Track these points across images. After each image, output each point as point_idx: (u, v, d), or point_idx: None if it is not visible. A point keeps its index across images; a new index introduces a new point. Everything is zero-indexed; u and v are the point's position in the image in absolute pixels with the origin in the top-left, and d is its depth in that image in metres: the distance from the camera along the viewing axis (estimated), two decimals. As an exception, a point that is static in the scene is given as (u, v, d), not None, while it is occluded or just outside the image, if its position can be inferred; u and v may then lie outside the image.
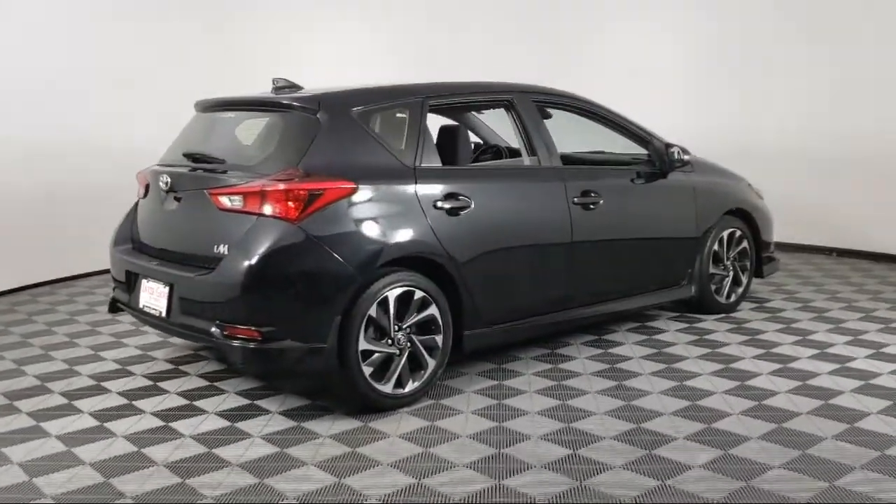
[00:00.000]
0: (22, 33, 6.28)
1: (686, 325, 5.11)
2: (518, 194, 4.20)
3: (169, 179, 3.92)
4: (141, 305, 3.95)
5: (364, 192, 3.62)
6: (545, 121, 5.08)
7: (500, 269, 4.10)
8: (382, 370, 3.68)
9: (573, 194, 4.38)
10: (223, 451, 3.32)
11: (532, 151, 4.38)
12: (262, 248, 3.42)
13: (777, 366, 4.28)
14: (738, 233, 5.42)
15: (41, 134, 6.36)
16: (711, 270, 5.26)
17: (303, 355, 3.50)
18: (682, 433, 3.42)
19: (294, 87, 4.16)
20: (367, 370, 3.61)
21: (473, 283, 3.95)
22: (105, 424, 3.61)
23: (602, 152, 5.59)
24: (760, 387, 3.97)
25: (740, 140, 7.92)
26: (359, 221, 3.60)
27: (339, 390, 3.78)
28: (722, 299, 5.36)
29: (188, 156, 4.02)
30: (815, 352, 4.51)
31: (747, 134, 7.97)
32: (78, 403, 3.88)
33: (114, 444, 3.40)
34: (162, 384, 4.15)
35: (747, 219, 5.52)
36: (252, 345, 3.43)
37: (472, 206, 3.93)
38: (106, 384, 4.16)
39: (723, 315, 5.35)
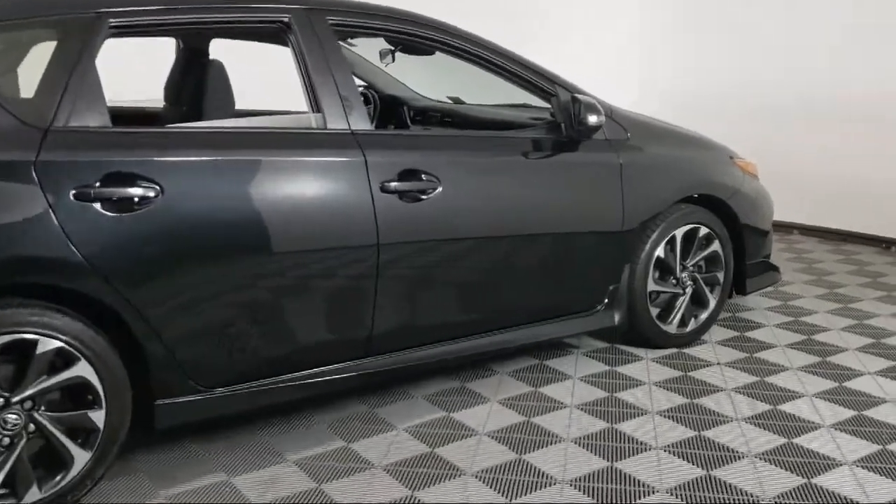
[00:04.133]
0: None
1: (603, 370, 3.41)
2: (263, 177, 2.56)
3: None
4: None
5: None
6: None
7: (226, 299, 2.53)
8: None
9: (383, 176, 2.73)
10: None
11: (316, 106, 2.75)
12: None
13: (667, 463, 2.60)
14: (704, 230, 3.64)
15: None
16: (653, 287, 3.53)
17: None
18: None
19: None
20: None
21: (167, 323, 2.42)
22: None
23: (528, 106, 3.89)
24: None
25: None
26: None
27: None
28: (671, 328, 3.62)
29: None
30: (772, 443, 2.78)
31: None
32: None
33: None
34: None
35: (722, 209, 3.73)
36: None
37: (164, 195, 2.35)
38: None
39: (673, 350, 3.63)
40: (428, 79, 4.65)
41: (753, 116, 6.19)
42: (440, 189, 2.84)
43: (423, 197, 2.82)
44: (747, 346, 3.70)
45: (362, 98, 3.91)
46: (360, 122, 2.77)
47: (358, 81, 4.32)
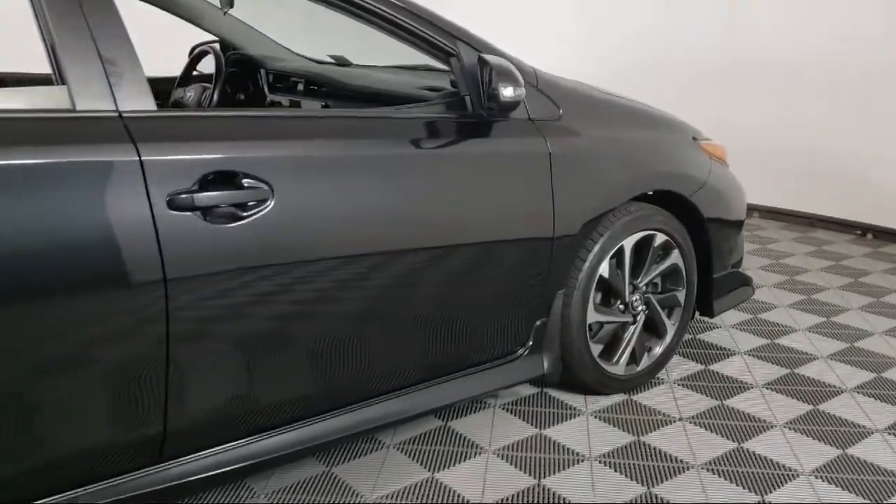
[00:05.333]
0: None
1: (527, 436, 2.49)
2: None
3: None
4: None
5: None
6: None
7: None
8: None
9: (173, 184, 1.71)
10: None
11: (61, 74, 1.73)
12: None
13: None
14: (661, 238, 2.73)
15: None
16: (594, 317, 2.61)
17: None
18: None
19: None
20: None
21: None
22: None
23: (432, 69, 2.89)
24: None
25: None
26: None
27: None
28: (618, 369, 2.71)
29: None
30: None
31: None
32: None
33: None
34: None
35: (684, 209, 2.82)
36: None
37: None
38: None
39: (621, 397, 2.74)
40: (312, 33, 3.63)
41: (703, 83, 5.33)
42: (272, 202, 1.83)
43: (244, 214, 1.81)
44: (716, 387, 2.83)
45: (211, 57, 2.92)
46: (136, 100, 1.73)
47: (208, 36, 3.34)
